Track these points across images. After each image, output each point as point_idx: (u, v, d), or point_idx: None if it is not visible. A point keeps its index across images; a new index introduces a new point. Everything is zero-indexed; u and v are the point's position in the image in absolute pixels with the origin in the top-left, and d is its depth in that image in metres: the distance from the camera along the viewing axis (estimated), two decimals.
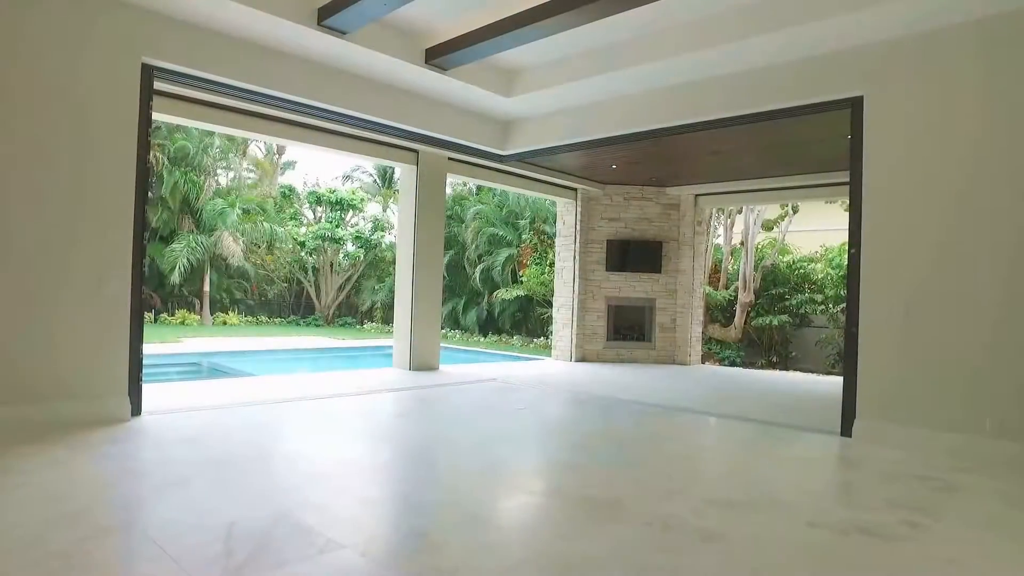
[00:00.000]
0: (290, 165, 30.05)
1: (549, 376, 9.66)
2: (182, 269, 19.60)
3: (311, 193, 24.96)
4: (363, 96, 7.21)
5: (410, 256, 9.34)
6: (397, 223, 9.77)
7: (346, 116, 7.28)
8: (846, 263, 5.47)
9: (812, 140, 8.31)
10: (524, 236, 18.05)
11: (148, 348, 13.16)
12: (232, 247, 20.96)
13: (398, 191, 10.26)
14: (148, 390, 5.69)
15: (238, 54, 6.00)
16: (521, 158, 9.12)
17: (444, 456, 4.71)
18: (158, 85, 5.59)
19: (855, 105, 5.55)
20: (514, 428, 5.66)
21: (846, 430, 5.41)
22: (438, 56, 6.38)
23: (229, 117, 7.08)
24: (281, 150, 30.36)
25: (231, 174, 27.26)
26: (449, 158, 9.54)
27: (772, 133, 8.18)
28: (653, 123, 7.07)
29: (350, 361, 13.34)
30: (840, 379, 10.28)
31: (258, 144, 27.99)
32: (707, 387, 9.04)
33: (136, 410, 5.26)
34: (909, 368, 5.08)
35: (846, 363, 5.45)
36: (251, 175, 30.01)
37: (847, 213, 14.26)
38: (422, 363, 9.36)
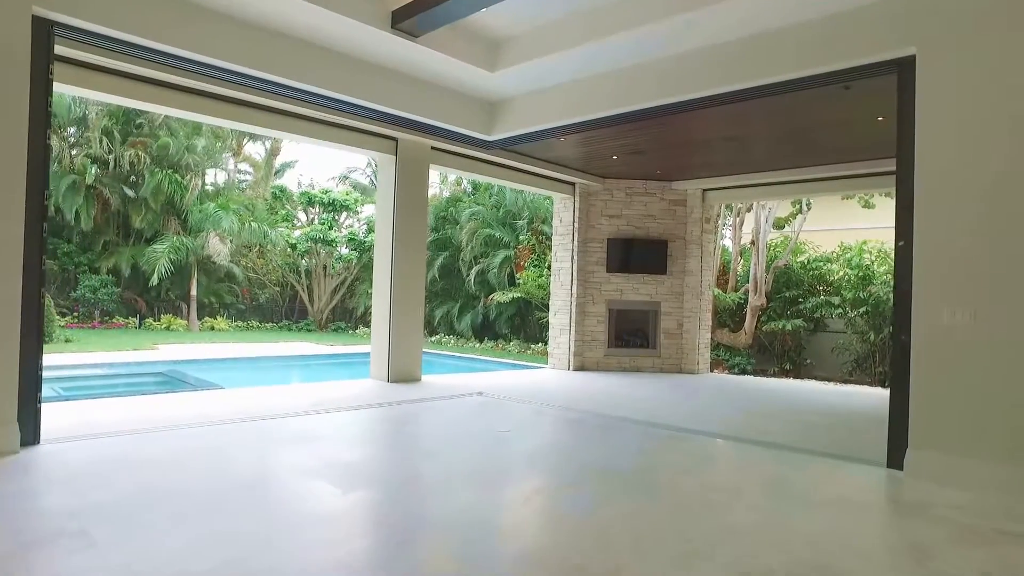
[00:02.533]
0: (289, 166, 29.29)
1: (543, 388, 8.72)
2: (164, 271, 18.71)
3: (303, 194, 24.10)
4: (324, 69, 6.31)
5: (388, 256, 8.43)
6: (376, 219, 8.86)
7: (302, 92, 6.37)
8: (893, 257, 4.51)
9: (835, 123, 7.37)
10: (522, 237, 17.14)
11: (117, 356, 12.53)
12: (219, 247, 20.09)
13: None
14: (73, 409, 4.79)
15: (164, 13, 5.10)
16: (509, 144, 8.19)
17: (391, 505, 3.68)
18: (66, 51, 4.68)
19: (903, 68, 4.59)
20: (491, 460, 4.70)
21: (895, 461, 4.46)
22: (406, 18, 5.46)
23: (167, 95, 6.19)
24: (276, 150, 29.65)
25: (222, 174, 26.49)
26: (432, 147, 8.64)
27: (791, 116, 7.26)
28: (659, 97, 6.12)
29: (331, 370, 12.44)
30: (863, 390, 9.33)
31: (261, 142, 27.27)
32: (720, 401, 8.09)
33: (30, 439, 4.35)
34: (977, 386, 4.11)
35: (895, 379, 4.50)
36: (246, 176, 29.31)
37: (866, 210, 13.42)
38: (402, 374, 8.44)
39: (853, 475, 4.51)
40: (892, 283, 4.48)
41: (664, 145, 8.67)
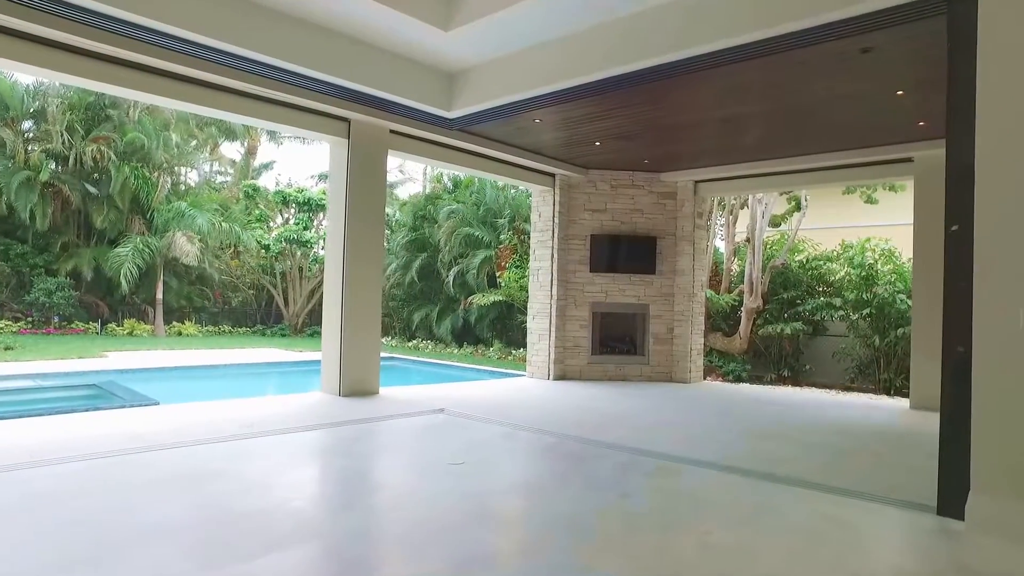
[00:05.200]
0: (267, 167, 28.27)
1: (517, 401, 7.76)
2: (129, 274, 17.62)
3: (278, 193, 23.04)
4: (261, 31, 5.36)
5: (340, 255, 7.46)
6: (327, 213, 7.89)
7: (236, 59, 5.43)
8: (944, 246, 3.52)
9: (845, 99, 6.46)
10: (503, 236, 16.18)
11: (55, 366, 11.45)
12: (186, 248, 19.01)
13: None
14: None
15: None
16: (474, 123, 7.24)
17: None
18: None
19: (955, 4, 3.62)
20: (426, 512, 3.54)
21: (951, 507, 3.49)
22: None
23: (75, 62, 5.26)
24: (253, 150, 28.63)
25: (194, 173, 25.42)
26: (391, 131, 7.68)
27: (794, 91, 6.36)
28: (643, 58, 5.19)
29: (291, 379, 11.48)
30: (873, 401, 8.37)
31: (239, 142, 26.26)
32: (717, 417, 7.15)
33: None
34: None
35: (949, 402, 3.53)
36: (223, 177, 28.25)
37: (868, 205, 12.50)
38: (356, 387, 7.46)
39: (901, 529, 3.54)
40: (943, 279, 3.51)
41: (653, 128, 7.74)
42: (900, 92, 6.10)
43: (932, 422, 7.13)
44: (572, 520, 3.49)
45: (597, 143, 8.48)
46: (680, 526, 3.48)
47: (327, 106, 6.90)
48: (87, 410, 7.43)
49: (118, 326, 18.79)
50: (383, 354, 15.14)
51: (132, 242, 18.25)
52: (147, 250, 18.37)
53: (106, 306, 19.24)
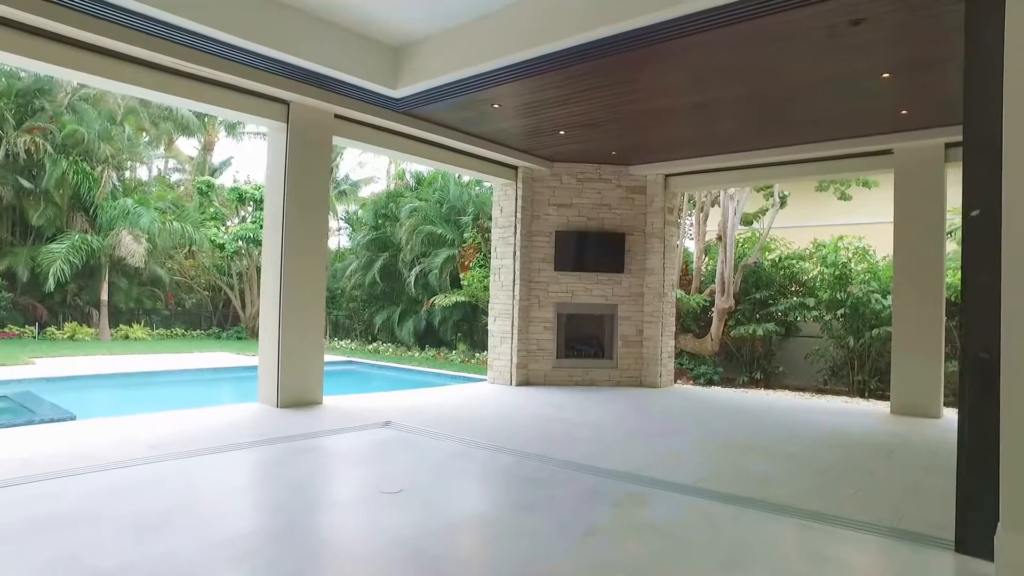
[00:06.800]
0: (227, 164, 27.12)
1: (475, 412, 7.12)
2: (62, 273, 16.50)
3: (233, 190, 21.97)
4: None
5: (277, 252, 6.73)
6: (265, 205, 7.15)
7: (143, 20, 4.71)
8: (960, 236, 3.00)
9: (826, 82, 5.96)
10: (467, 234, 15.51)
11: None
12: (132, 247, 17.91)
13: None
14: None
15: None
16: (424, 104, 6.58)
17: None
18: None
19: None
20: (350, 563, 2.90)
21: (975, 544, 2.93)
22: None
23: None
24: (211, 145, 27.48)
25: (145, 169, 24.24)
26: (336, 115, 6.98)
27: (772, 73, 5.86)
28: (616, 21, 4.55)
29: (233, 385, 10.68)
30: (850, 405, 7.93)
31: (196, 138, 25.10)
32: (692, 427, 6.61)
33: None
34: None
35: (970, 417, 2.97)
36: (181, 174, 27.03)
37: (842, 202, 12.12)
38: (296, 397, 6.74)
39: (916, 568, 3.00)
40: (961, 273, 2.97)
41: (620, 115, 7.17)
42: (886, 75, 5.63)
43: (918, 430, 6.75)
44: (526, 571, 2.85)
45: (562, 132, 7.89)
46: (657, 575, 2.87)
47: (263, 85, 6.17)
48: None
49: (58, 330, 17.64)
50: (339, 358, 14.45)
51: (69, 239, 17.12)
52: (87, 248, 17.24)
53: (45, 309, 18.05)
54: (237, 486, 4.10)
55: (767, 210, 13.02)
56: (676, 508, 3.78)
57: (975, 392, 2.92)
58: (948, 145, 7.36)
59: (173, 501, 3.66)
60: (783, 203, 12.68)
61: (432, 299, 15.30)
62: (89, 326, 18.39)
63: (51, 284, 16.42)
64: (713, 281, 12.58)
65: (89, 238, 17.49)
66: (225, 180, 25.51)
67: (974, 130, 2.93)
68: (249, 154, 32.37)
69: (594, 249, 9.44)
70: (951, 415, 7.84)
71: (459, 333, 16.10)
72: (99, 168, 18.10)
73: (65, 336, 17.37)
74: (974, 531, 2.95)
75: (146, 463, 4.43)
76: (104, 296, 18.50)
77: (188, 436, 5.26)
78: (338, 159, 24.40)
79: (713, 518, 3.63)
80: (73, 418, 6.90)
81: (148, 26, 5.01)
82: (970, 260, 2.93)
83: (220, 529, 3.23)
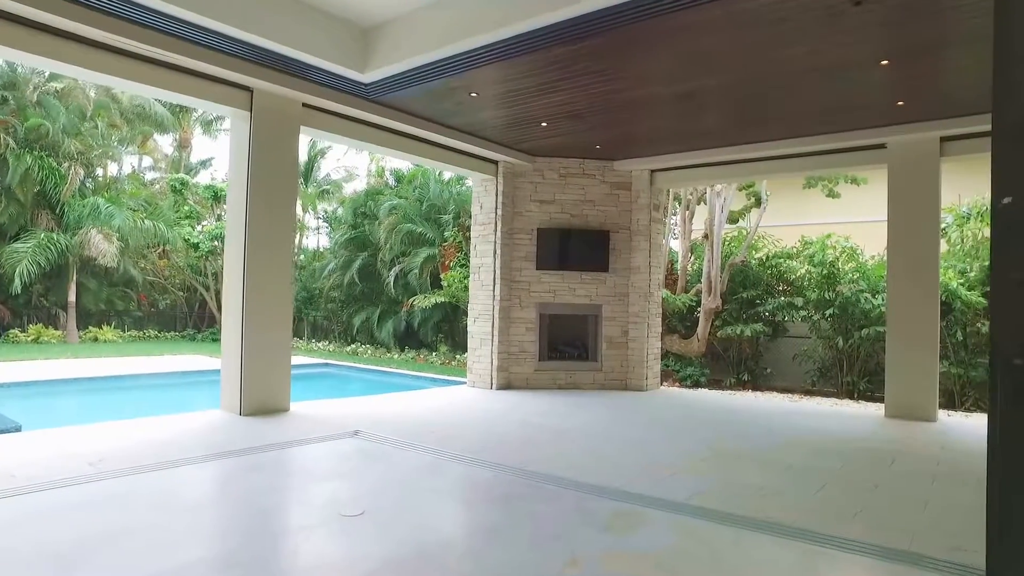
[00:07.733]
0: (205, 164, 26.47)
1: (452, 418, 6.73)
2: (27, 273, 15.85)
3: (208, 187, 21.36)
4: None
5: (240, 249, 6.30)
6: (227, 200, 6.71)
7: None
8: (989, 225, 2.66)
9: (820, 71, 5.66)
10: (447, 233, 15.10)
11: None
12: (103, 247, 17.27)
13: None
14: None
15: None
16: (395, 89, 6.17)
17: None
18: None
19: None
20: None
21: (1004, 568, 2.62)
22: None
23: None
24: (186, 142, 26.83)
25: (115, 166, 23.51)
26: (304, 104, 6.56)
27: (764, 61, 5.54)
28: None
29: (200, 390, 10.19)
30: (842, 408, 7.61)
31: (172, 135, 24.46)
32: (681, 433, 6.26)
33: None
34: None
35: (1002, 431, 2.59)
36: (156, 172, 26.31)
37: (830, 199, 11.86)
38: (260, 404, 6.31)
39: None
40: (990, 269, 2.61)
41: (604, 105, 6.82)
42: (885, 62, 5.33)
43: (916, 435, 6.45)
44: None
45: (543, 124, 7.52)
46: None
47: (224, 70, 5.73)
48: None
49: (22, 332, 16.96)
50: (314, 360, 13.99)
51: (35, 237, 16.47)
52: (54, 248, 16.60)
53: (8, 310, 17.35)
54: (180, 507, 3.68)
55: (753, 208, 12.76)
56: (669, 530, 3.42)
57: (1007, 401, 2.57)
58: (943, 139, 7.10)
59: (106, 527, 3.23)
60: (757, 202, 12.41)
61: (412, 300, 14.88)
62: (56, 328, 17.74)
63: (17, 285, 15.74)
64: (699, 280, 12.29)
65: (56, 237, 16.84)
66: (202, 179, 24.87)
67: (1003, 112, 2.60)
68: (225, 152, 31.55)
69: (578, 247, 9.09)
70: (946, 419, 7.59)
71: (440, 334, 15.70)
72: (66, 164, 17.45)
73: (29, 339, 16.71)
74: (1011, 561, 2.61)
75: (86, 482, 4.00)
76: (72, 297, 17.86)
77: (137, 450, 4.82)
78: (319, 159, 23.89)
79: (709, 541, 3.28)
80: (19, 429, 6.40)
81: (94, 1, 4.58)
82: (1000, 255, 2.59)
83: (152, 561, 2.82)
